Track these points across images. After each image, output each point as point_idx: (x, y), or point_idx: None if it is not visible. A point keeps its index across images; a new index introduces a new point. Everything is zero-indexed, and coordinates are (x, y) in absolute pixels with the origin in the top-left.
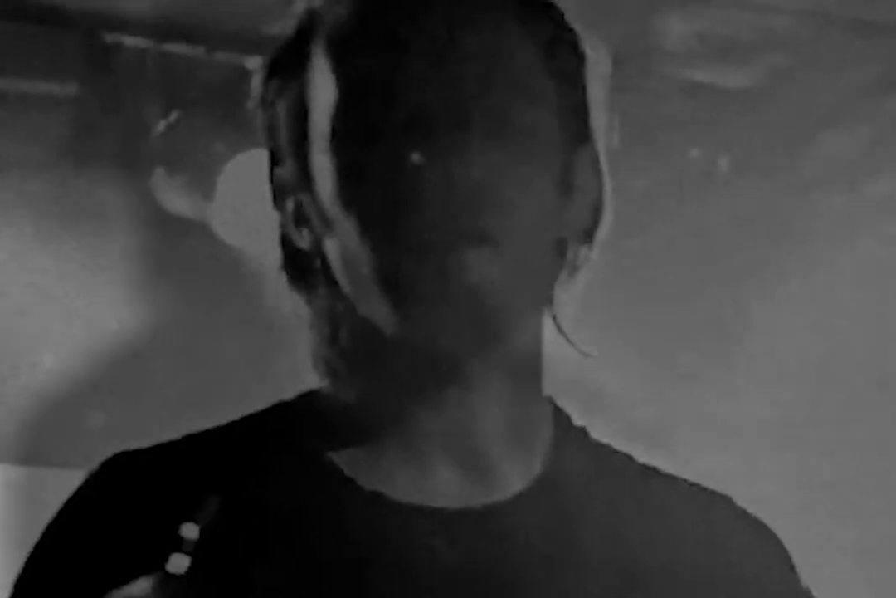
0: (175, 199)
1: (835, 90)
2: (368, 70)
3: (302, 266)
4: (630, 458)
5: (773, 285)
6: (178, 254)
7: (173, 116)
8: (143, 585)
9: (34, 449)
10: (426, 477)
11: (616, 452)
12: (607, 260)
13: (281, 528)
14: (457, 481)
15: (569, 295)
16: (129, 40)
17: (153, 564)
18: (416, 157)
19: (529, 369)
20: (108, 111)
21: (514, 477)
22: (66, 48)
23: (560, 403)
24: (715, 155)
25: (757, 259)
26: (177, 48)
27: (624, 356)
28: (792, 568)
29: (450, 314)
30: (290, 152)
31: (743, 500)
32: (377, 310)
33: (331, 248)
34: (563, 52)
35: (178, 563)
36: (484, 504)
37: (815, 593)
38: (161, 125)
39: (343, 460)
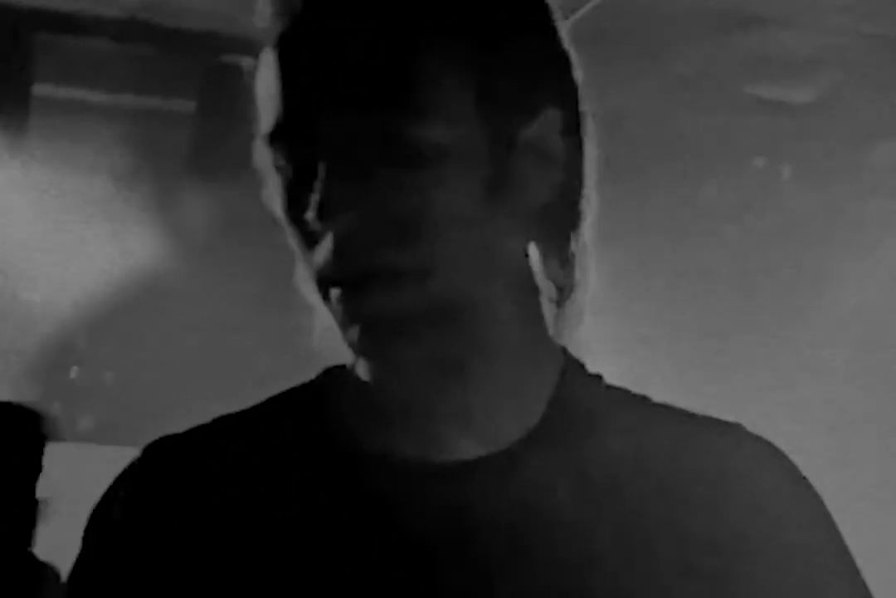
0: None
1: (888, 103)
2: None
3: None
4: (645, 397)
5: (829, 288)
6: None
7: None
8: None
9: None
10: (431, 436)
11: (631, 393)
12: (678, 260)
13: (303, 501)
14: (460, 435)
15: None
16: (246, 61)
17: (198, 545)
18: (310, 215)
19: (530, 318)
20: (223, 126)
21: (516, 425)
22: (186, 68)
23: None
24: (778, 164)
25: (815, 262)
26: None
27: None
28: (807, 487)
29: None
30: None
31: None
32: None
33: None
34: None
35: None
36: (490, 453)
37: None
38: None
39: (359, 430)
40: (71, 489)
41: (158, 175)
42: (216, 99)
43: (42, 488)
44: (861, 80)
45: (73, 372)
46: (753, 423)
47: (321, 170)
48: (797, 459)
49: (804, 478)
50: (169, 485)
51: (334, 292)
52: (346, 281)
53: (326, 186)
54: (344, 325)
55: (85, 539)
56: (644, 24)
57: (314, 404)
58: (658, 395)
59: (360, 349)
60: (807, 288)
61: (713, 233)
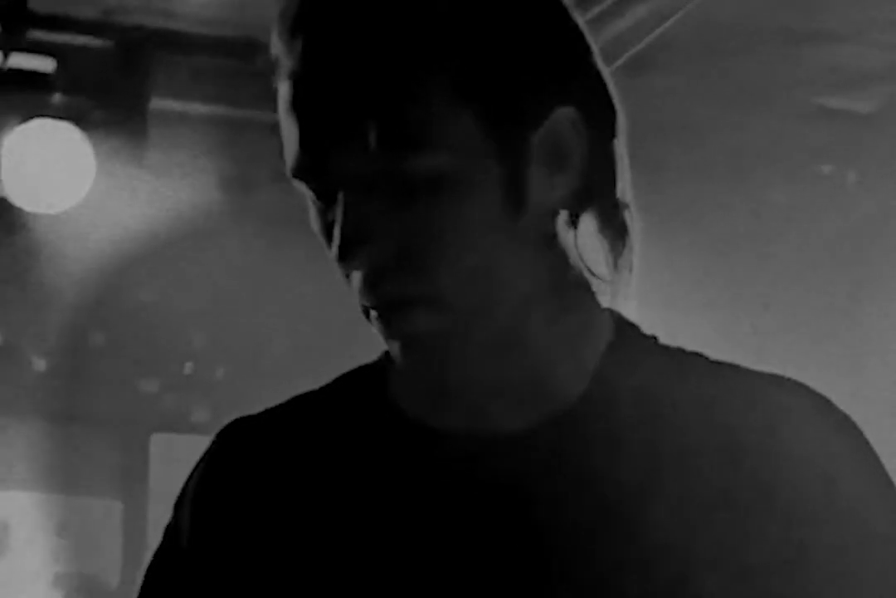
0: None
1: None
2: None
3: None
4: (699, 354)
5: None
6: None
7: None
8: None
9: None
10: (481, 410)
11: (685, 351)
12: (747, 264)
13: (359, 475)
14: (506, 408)
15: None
16: None
17: (273, 521)
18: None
19: (574, 287)
20: None
21: (568, 389)
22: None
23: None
24: (844, 171)
25: (879, 268)
26: None
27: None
28: (863, 441)
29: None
30: None
31: None
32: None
33: None
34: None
35: None
36: (538, 422)
37: None
38: None
39: (415, 407)
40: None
41: (259, 181)
42: None
43: (157, 479)
44: None
45: (188, 368)
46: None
47: (339, 204)
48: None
49: (857, 430)
50: (243, 462)
51: (372, 313)
52: (381, 307)
53: (345, 223)
54: (385, 339)
55: (174, 516)
56: (718, 38)
57: (376, 382)
58: None
59: (402, 361)
60: (874, 290)
61: (781, 238)
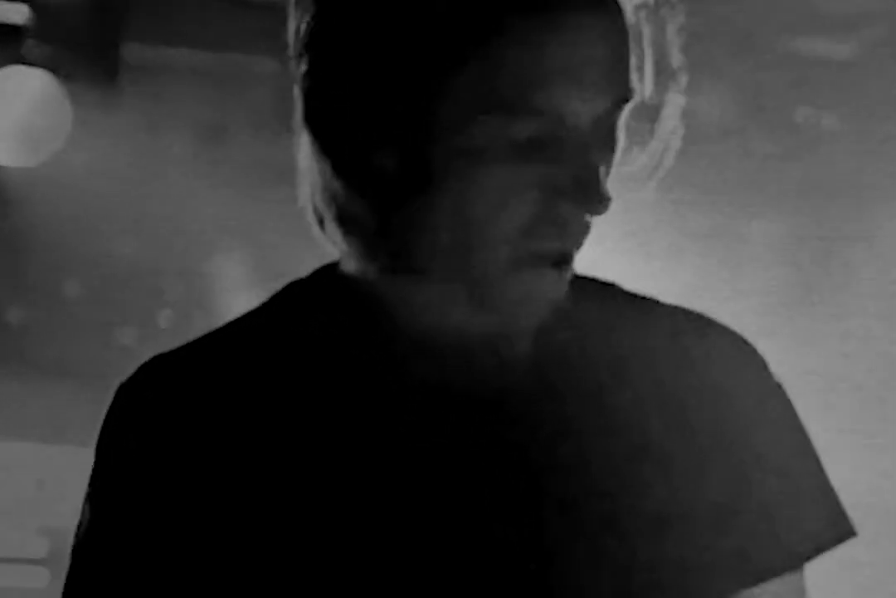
0: None
1: None
2: None
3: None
4: (615, 285)
5: (874, 235)
6: None
7: None
8: None
9: None
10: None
11: (604, 284)
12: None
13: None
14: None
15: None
16: None
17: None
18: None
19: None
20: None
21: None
22: (267, 28)
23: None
24: (818, 116)
25: (857, 212)
26: None
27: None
28: (765, 368)
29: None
30: None
31: None
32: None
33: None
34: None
35: None
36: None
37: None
38: None
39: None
40: None
41: (242, 133)
42: None
43: None
44: None
45: (164, 318)
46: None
47: (588, 151)
48: None
49: (768, 369)
50: (177, 396)
51: (527, 262)
52: (555, 258)
53: (600, 174)
54: (513, 290)
55: (98, 455)
56: None
57: (321, 311)
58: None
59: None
60: (850, 235)
61: (753, 185)
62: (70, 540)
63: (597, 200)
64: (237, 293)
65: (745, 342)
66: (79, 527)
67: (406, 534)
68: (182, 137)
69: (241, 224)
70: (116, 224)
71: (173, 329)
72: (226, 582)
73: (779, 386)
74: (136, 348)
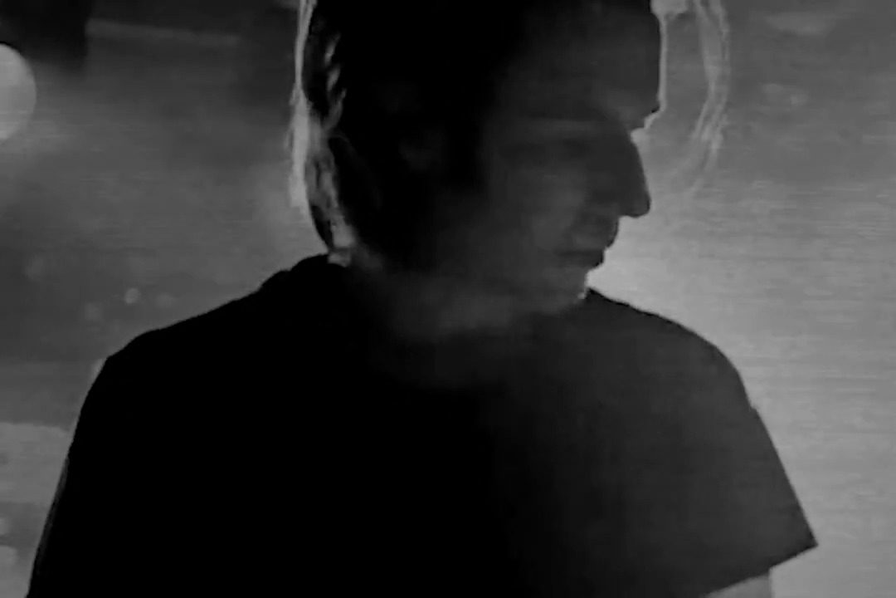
0: None
1: None
2: None
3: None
4: (598, 294)
5: (842, 210)
6: None
7: None
8: None
9: None
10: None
11: (607, 300)
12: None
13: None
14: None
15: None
16: (293, 3)
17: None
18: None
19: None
20: (264, 64)
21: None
22: (234, 5)
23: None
24: (788, 92)
25: (827, 186)
26: None
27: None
28: (742, 391)
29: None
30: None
31: None
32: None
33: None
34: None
35: None
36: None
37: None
38: None
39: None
40: None
41: (208, 111)
42: (259, 38)
43: None
44: (873, 14)
45: (131, 295)
46: None
47: (635, 149)
48: None
49: (740, 379)
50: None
51: (562, 259)
52: (588, 258)
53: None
54: (547, 285)
55: (80, 425)
56: None
57: (303, 303)
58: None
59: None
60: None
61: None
62: (31, 517)
63: (643, 203)
64: (204, 269)
65: (719, 353)
66: (55, 499)
67: (385, 527)
68: (148, 115)
69: (208, 202)
70: (81, 202)
71: (139, 306)
72: (201, 555)
73: (749, 401)
74: (102, 324)
